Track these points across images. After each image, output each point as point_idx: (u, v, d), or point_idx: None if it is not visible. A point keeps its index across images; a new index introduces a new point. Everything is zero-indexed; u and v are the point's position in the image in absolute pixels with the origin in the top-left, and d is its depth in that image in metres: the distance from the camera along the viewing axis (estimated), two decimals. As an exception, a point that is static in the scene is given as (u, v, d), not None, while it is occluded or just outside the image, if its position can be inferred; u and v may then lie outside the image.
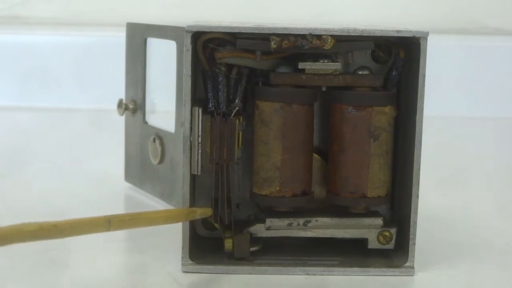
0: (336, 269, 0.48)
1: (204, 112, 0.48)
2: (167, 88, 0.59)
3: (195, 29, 0.47)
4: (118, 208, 0.63)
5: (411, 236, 0.48)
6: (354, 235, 0.50)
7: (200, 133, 0.48)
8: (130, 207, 0.64)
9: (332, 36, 0.47)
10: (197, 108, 0.48)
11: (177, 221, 0.47)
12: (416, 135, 0.48)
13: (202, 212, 0.48)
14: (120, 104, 0.65)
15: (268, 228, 0.49)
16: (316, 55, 0.48)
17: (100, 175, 0.71)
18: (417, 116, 0.48)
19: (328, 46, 0.47)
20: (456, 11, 1.18)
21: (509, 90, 1.12)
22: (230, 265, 0.48)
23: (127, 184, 0.66)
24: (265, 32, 0.47)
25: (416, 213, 0.48)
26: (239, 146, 0.49)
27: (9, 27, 1.15)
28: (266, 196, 0.49)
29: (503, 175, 0.79)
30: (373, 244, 0.50)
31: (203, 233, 0.52)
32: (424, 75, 0.47)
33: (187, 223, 0.47)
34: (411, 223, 0.48)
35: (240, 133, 0.49)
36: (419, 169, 0.48)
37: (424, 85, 0.47)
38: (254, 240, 0.49)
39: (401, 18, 1.16)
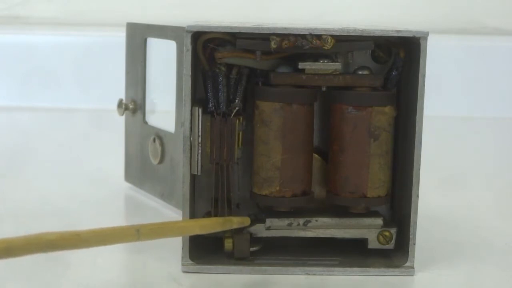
0: (336, 269, 0.48)
1: (204, 112, 0.48)
2: (167, 88, 0.59)
3: (195, 29, 0.47)
4: (118, 208, 0.63)
5: (411, 236, 0.48)
6: (354, 235, 0.50)
7: (200, 133, 0.48)
8: (130, 207, 0.64)
9: (332, 36, 0.47)
10: (197, 108, 0.48)
11: (212, 230, 0.46)
12: (416, 135, 0.48)
13: (240, 221, 0.47)
14: (120, 104, 0.65)
15: (268, 228, 0.49)
16: (316, 55, 0.48)
17: (100, 175, 0.71)
18: (417, 116, 0.48)
19: (328, 46, 0.47)
20: (456, 11, 1.18)
21: (509, 90, 1.12)
22: (230, 265, 0.48)
23: (127, 184, 0.66)
24: (265, 32, 0.47)
25: (416, 213, 0.48)
26: (239, 146, 0.49)
27: (9, 27, 1.15)
28: (266, 196, 0.49)
29: (503, 175, 0.79)
30: (373, 244, 0.50)
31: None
32: (424, 75, 0.47)
33: (187, 223, 0.47)
34: (411, 223, 0.48)
35: (240, 133, 0.49)
36: (419, 169, 0.48)
37: (424, 85, 0.47)
38: (254, 240, 0.49)
39: (401, 18, 1.16)
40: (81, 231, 0.38)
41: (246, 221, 0.48)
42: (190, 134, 0.47)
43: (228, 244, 0.49)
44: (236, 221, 0.47)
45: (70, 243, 0.38)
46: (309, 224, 0.49)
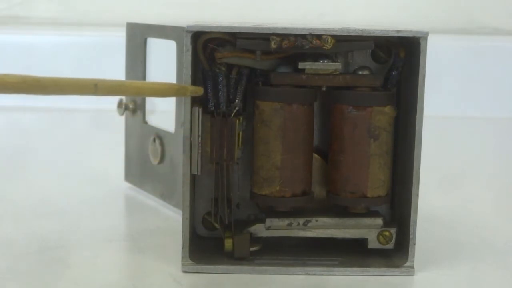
0: (336, 269, 0.48)
1: (204, 112, 0.48)
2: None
3: (195, 29, 0.47)
4: (118, 208, 0.63)
5: (411, 236, 0.48)
6: (354, 235, 0.50)
7: (200, 133, 0.48)
8: (130, 207, 0.64)
9: (332, 36, 0.47)
10: (197, 108, 0.48)
11: (165, 95, 0.46)
12: (416, 135, 0.48)
13: (193, 89, 0.47)
14: (120, 104, 0.65)
15: (268, 228, 0.49)
16: (316, 55, 0.48)
17: (100, 175, 0.71)
18: (417, 116, 0.48)
19: (328, 46, 0.47)
20: (456, 11, 1.18)
21: (509, 90, 1.12)
22: (230, 265, 0.48)
23: (127, 184, 0.66)
24: (265, 32, 0.47)
25: (416, 213, 0.48)
26: (239, 146, 0.49)
27: (9, 27, 1.15)
28: (266, 196, 0.49)
29: (503, 175, 0.79)
30: (373, 244, 0.50)
31: (203, 233, 0.52)
32: (424, 75, 0.47)
33: (187, 223, 0.47)
34: (411, 223, 0.48)
35: (240, 133, 0.49)
36: (419, 169, 0.48)
37: (424, 85, 0.47)
38: (254, 240, 0.49)
39: (401, 18, 1.16)
40: (42, 77, 0.38)
41: (199, 90, 0.48)
42: (190, 134, 0.47)
43: (228, 244, 0.49)
44: (190, 90, 0.47)
45: (30, 87, 0.37)
46: (309, 224, 0.49)
